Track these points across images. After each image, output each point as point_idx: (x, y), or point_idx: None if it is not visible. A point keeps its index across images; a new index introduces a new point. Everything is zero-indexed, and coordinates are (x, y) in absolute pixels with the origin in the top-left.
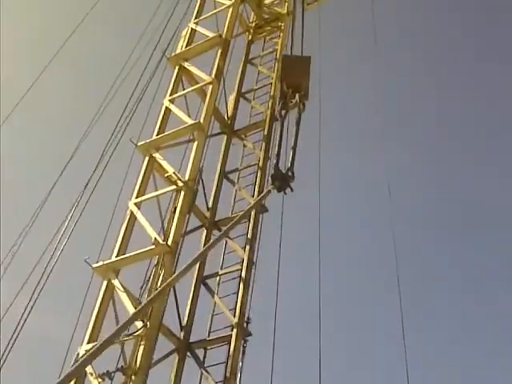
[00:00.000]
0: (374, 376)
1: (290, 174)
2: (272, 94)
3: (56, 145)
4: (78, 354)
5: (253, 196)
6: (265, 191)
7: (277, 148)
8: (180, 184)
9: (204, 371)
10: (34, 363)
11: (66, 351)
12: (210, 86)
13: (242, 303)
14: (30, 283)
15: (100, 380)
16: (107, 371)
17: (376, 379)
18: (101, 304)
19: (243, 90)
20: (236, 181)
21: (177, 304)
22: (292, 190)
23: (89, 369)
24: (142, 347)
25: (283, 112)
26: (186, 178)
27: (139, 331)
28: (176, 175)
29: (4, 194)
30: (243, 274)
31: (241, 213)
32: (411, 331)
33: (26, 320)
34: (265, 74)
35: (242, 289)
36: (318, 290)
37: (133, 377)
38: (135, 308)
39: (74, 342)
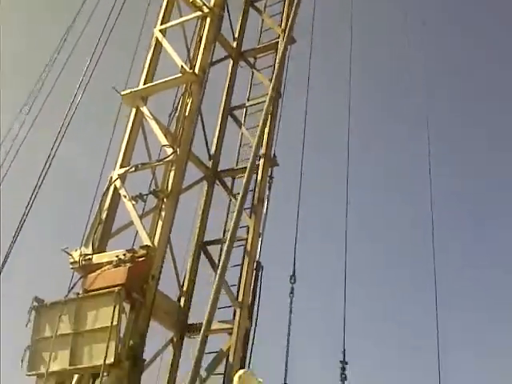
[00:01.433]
0: None
1: None
2: None
3: None
4: (111, 178)
5: (280, 25)
6: None
7: None
8: (206, 10)
9: (232, 198)
10: (68, 190)
11: (98, 178)
12: None
13: (268, 134)
14: (58, 114)
15: (133, 202)
16: (140, 194)
17: None
18: (131, 131)
19: None
20: (263, 10)
21: (205, 133)
22: None
23: (122, 192)
24: (172, 172)
25: None
26: (212, 3)
27: (170, 157)
28: (201, 0)
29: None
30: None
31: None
32: None
33: (57, 149)
34: None
35: (269, 119)
36: (347, 124)
37: (164, 200)
38: (164, 135)
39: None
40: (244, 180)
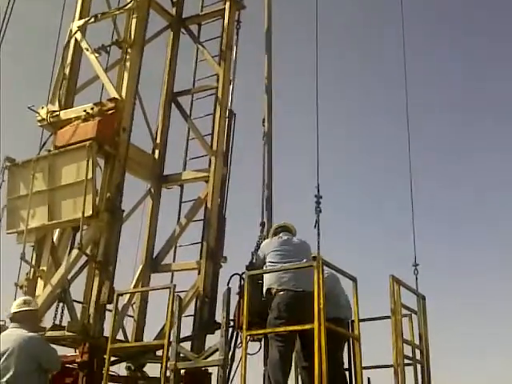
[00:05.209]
0: None
1: None
2: None
3: None
4: (70, 31)
5: None
6: None
7: None
8: None
9: (200, 46)
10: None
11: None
12: None
13: None
14: None
15: (96, 55)
16: (102, 45)
17: None
18: None
19: None
20: None
21: None
22: None
23: (84, 44)
24: (134, 20)
25: None
26: None
27: (130, 4)
28: None
29: None
30: None
31: None
32: None
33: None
34: None
35: None
36: None
37: (128, 50)
38: None
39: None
40: None
